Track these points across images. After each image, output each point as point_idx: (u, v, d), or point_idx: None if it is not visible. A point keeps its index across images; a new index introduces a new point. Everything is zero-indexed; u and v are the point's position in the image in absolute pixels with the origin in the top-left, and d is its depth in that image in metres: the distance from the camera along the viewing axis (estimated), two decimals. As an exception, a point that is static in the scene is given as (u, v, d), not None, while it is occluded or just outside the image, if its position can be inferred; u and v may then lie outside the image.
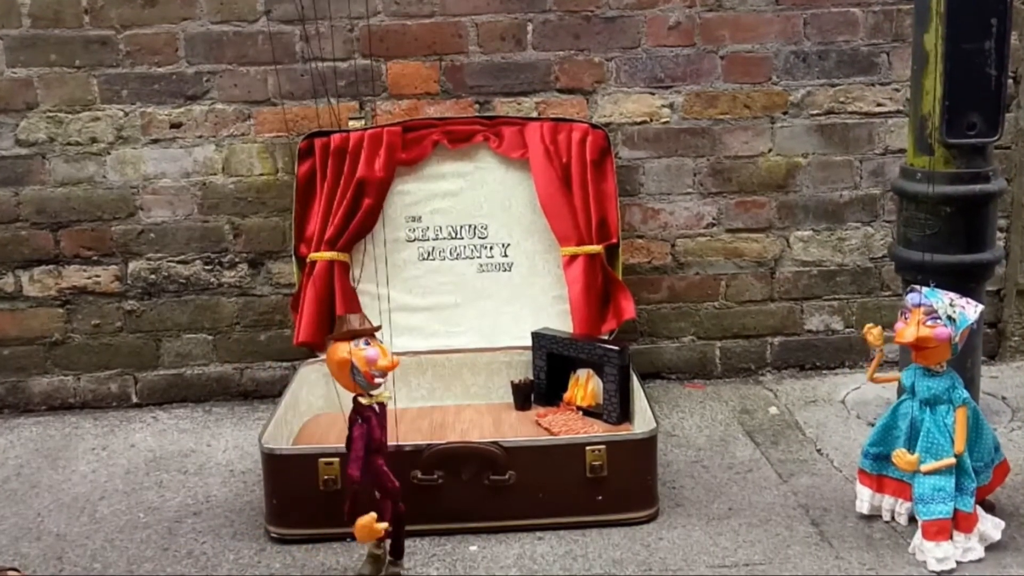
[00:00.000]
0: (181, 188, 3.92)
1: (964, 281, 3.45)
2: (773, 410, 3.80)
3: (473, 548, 2.89)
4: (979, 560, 2.73)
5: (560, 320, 3.75)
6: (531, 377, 3.67)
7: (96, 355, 4.02)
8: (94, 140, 3.87)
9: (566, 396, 3.61)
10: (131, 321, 4.00)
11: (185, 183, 3.92)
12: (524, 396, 3.64)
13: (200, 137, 3.90)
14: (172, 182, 3.92)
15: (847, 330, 4.15)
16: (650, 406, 3.17)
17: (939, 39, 3.32)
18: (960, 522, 2.73)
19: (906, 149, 3.59)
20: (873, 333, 2.87)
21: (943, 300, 2.71)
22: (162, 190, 3.92)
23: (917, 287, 2.77)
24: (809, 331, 4.17)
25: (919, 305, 2.72)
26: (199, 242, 3.96)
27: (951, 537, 2.72)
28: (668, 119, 3.98)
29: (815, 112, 4.01)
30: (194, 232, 3.96)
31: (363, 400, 2.65)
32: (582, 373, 3.59)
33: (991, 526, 2.78)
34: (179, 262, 3.97)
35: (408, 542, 2.76)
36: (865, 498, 2.98)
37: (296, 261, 3.74)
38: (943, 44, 3.30)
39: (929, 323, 2.70)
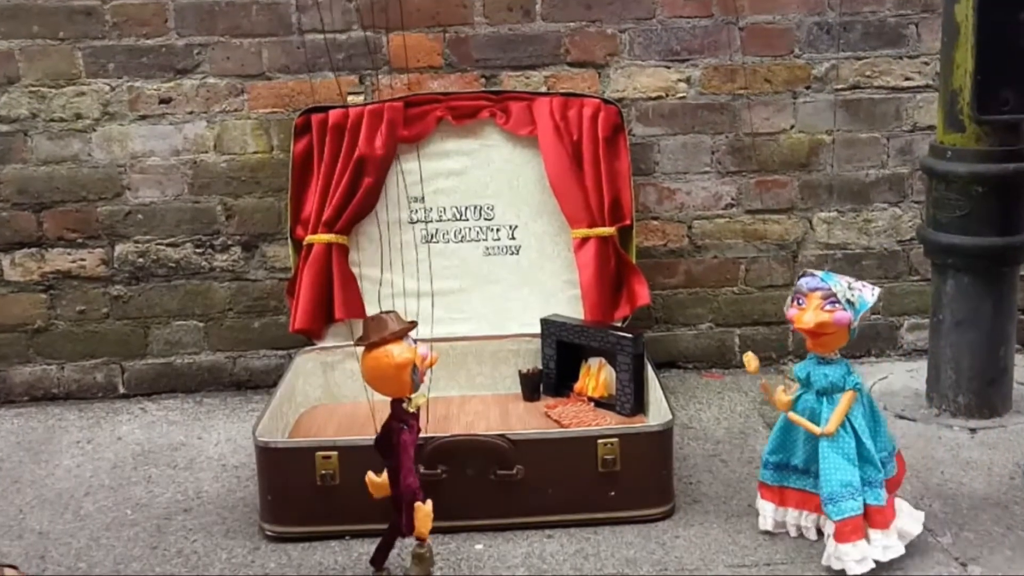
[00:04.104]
0: (171, 167, 3.92)
1: (996, 265, 3.46)
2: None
3: (479, 547, 2.88)
4: (900, 557, 2.70)
5: (570, 306, 3.75)
6: (540, 366, 3.67)
7: (81, 343, 4.02)
8: (79, 116, 3.86)
9: (577, 386, 3.61)
10: (118, 307, 4.00)
11: (175, 161, 3.92)
12: (533, 386, 3.64)
13: (191, 113, 3.89)
14: (161, 160, 3.91)
15: (873, 317, 4.13)
16: (665, 397, 3.17)
17: (970, 10, 3.31)
18: (873, 517, 2.68)
19: (936, 126, 3.59)
20: (747, 360, 2.81)
21: (841, 283, 2.67)
22: (150, 169, 3.91)
23: (812, 271, 2.73)
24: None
25: (816, 289, 2.68)
26: (190, 224, 3.96)
27: (866, 535, 2.67)
28: (684, 94, 3.97)
29: (840, 87, 4.00)
30: (184, 213, 3.95)
31: (407, 407, 2.63)
32: (594, 362, 3.59)
33: (909, 520, 2.74)
34: (168, 245, 3.96)
35: (411, 540, 2.74)
36: (768, 513, 2.90)
37: (292, 244, 3.74)
38: (975, 15, 3.30)
39: (827, 307, 2.65)
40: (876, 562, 2.66)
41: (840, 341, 2.72)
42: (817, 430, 2.71)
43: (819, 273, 2.71)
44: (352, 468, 2.83)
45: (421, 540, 2.67)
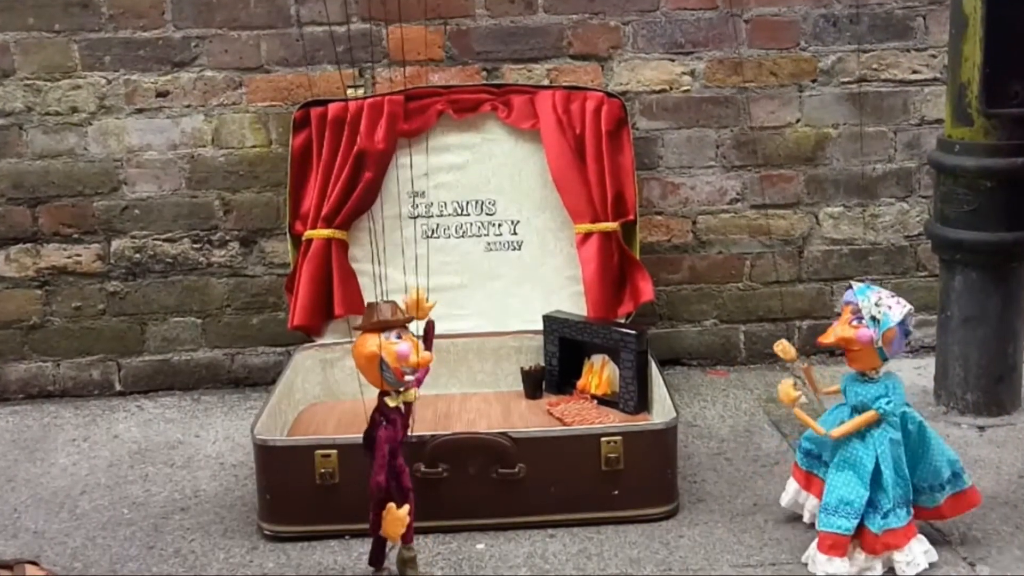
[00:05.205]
0: (168, 161, 3.91)
1: (1005, 261, 3.46)
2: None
3: (480, 546, 2.88)
4: None
5: (573, 302, 3.75)
6: (542, 363, 3.67)
7: (77, 340, 4.02)
8: (75, 110, 3.86)
9: (579, 384, 3.61)
10: (114, 303, 4.00)
11: (172, 156, 3.91)
12: (535, 384, 3.64)
13: (188, 106, 3.89)
14: (158, 154, 3.91)
15: (880, 313, 4.13)
16: (669, 394, 3.16)
17: (979, 2, 3.31)
18: (864, 539, 2.66)
19: (943, 119, 3.58)
20: (780, 349, 2.77)
21: (870, 299, 2.63)
22: (147, 163, 3.91)
23: (854, 282, 2.69)
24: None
25: (848, 303, 2.66)
26: (187, 219, 3.96)
27: (846, 555, 2.65)
28: (689, 87, 3.97)
29: (846, 80, 4.00)
30: (182, 208, 3.95)
31: (390, 401, 2.61)
32: (597, 359, 3.58)
33: (906, 561, 2.66)
34: (166, 240, 3.96)
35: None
36: (790, 491, 2.93)
37: (291, 239, 3.74)
38: (983, 7, 3.30)
39: (854, 323, 2.63)
40: None
41: (869, 358, 2.66)
42: (822, 430, 2.70)
43: (860, 285, 2.67)
44: (352, 467, 2.82)
45: (406, 543, 2.66)
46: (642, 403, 3.43)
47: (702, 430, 3.58)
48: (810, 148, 4.03)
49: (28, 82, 3.83)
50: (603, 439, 2.94)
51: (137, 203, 3.93)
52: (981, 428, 3.50)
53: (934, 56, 3.98)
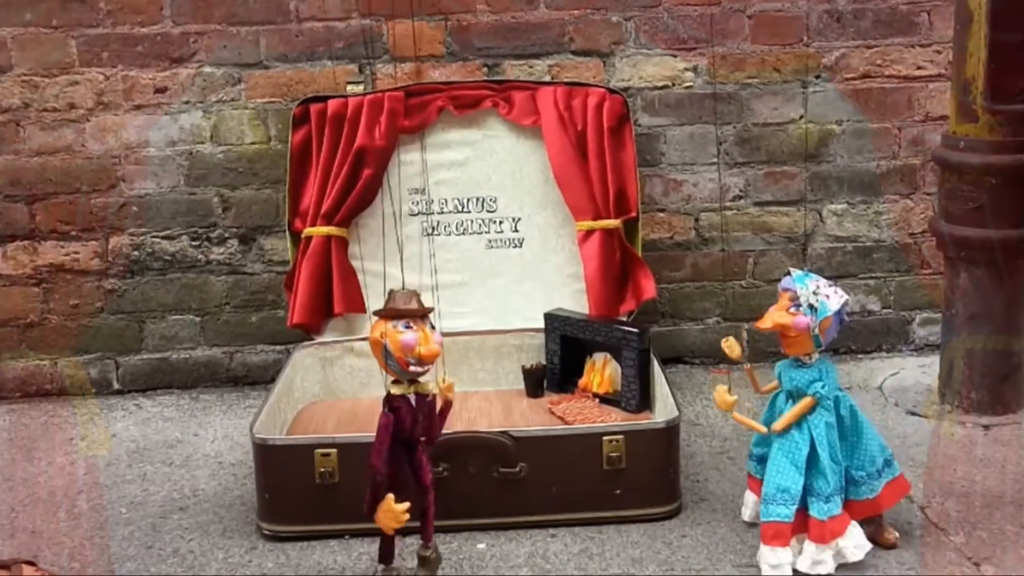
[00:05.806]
0: (166, 158, 3.91)
1: (1010, 258, 3.45)
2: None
3: (481, 546, 2.88)
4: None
5: (575, 300, 3.74)
6: (543, 362, 3.67)
7: (74, 338, 4.01)
8: (72, 106, 3.86)
9: (581, 382, 3.60)
10: (112, 301, 3.99)
11: (170, 152, 3.91)
12: (536, 382, 3.63)
13: (187, 103, 3.88)
14: (156, 151, 3.90)
15: (884, 311, 4.13)
16: (672, 393, 3.17)
17: (984, -4, 3.31)
18: (811, 530, 2.67)
19: (948, 116, 3.57)
20: (727, 346, 2.78)
21: (808, 287, 2.65)
22: (146, 160, 3.91)
23: (794, 270, 2.70)
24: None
25: (787, 290, 2.67)
26: (185, 216, 3.95)
27: (789, 544, 2.66)
28: (691, 83, 3.96)
29: (850, 76, 3.99)
30: (180, 205, 3.94)
31: (394, 389, 2.59)
32: (598, 357, 3.58)
33: (853, 545, 2.68)
34: (164, 238, 3.95)
35: (412, 539, 2.74)
36: (749, 503, 2.93)
37: (290, 236, 3.73)
38: (988, 2, 3.29)
39: (792, 310, 2.64)
40: (796, 571, 2.66)
41: (804, 345, 2.68)
42: (763, 429, 2.72)
43: (798, 273, 2.69)
44: (352, 466, 2.82)
45: (425, 541, 2.66)
46: (644, 402, 3.43)
47: (704, 429, 3.58)
48: (813, 145, 4.02)
49: (25, 78, 3.83)
50: (605, 438, 2.94)
51: (135, 200, 3.92)
52: (986, 427, 3.49)
53: (939, 52, 3.97)
